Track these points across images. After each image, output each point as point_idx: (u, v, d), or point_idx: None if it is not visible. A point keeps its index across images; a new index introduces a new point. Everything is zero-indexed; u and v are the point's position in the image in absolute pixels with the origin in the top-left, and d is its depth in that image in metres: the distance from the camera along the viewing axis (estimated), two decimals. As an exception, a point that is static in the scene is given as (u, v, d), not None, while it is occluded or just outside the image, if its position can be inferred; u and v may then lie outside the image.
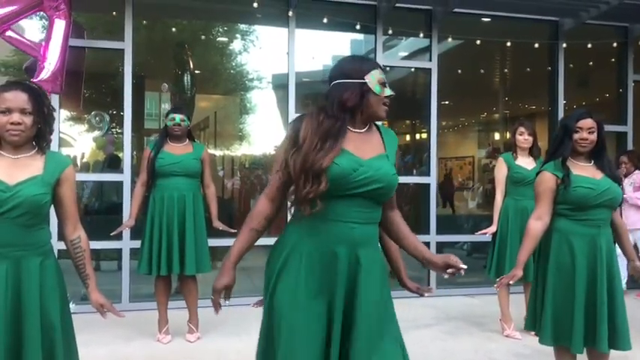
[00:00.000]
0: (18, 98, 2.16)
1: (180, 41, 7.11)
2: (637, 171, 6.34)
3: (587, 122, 3.02)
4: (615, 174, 3.09)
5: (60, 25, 4.77)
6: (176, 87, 7.12)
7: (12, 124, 2.15)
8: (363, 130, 2.04)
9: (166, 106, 7.20)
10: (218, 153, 8.97)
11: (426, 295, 2.48)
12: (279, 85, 6.94)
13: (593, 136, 3.03)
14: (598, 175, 3.01)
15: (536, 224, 3.05)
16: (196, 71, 8.01)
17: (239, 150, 9.49)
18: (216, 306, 2.02)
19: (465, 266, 1.99)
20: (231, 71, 8.89)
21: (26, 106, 2.17)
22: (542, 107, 7.84)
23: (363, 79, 1.99)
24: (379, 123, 2.16)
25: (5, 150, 2.22)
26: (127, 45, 5.52)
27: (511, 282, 3.03)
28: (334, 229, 1.95)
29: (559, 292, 2.99)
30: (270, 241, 2.16)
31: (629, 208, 6.32)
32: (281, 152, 2.01)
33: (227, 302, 2.03)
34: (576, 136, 3.03)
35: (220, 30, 8.13)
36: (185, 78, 7.04)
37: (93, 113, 7.07)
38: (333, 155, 1.90)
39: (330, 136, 1.93)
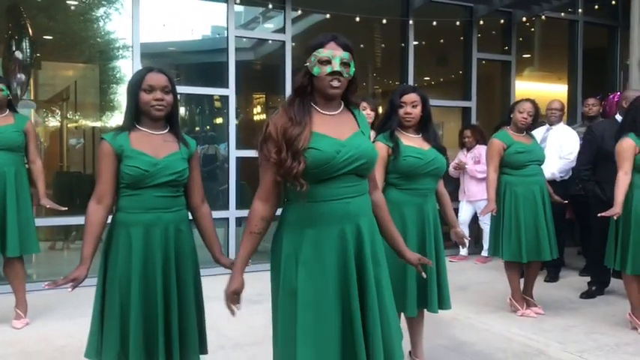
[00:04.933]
0: None
1: (14, 2, 6.37)
2: (478, 145, 6.68)
3: (411, 97, 3.14)
4: (440, 145, 3.22)
5: None
6: (7, 52, 6.39)
7: None
8: (335, 113, 2.08)
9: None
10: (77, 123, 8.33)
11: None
12: (147, 54, 6.44)
13: (417, 110, 3.15)
14: (425, 146, 3.14)
15: None
16: (45, 37, 7.35)
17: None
18: (231, 311, 2.05)
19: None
20: (82, 36, 8.18)
21: None
22: (396, 83, 8.10)
23: (306, 63, 2.03)
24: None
25: None
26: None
27: None
28: (330, 209, 1.99)
29: (393, 260, 3.07)
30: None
31: (469, 180, 6.68)
32: (266, 147, 2.00)
33: (239, 306, 2.06)
34: (401, 110, 3.15)
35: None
36: (22, 44, 6.34)
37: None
38: (307, 133, 1.95)
39: (297, 114, 1.98)
